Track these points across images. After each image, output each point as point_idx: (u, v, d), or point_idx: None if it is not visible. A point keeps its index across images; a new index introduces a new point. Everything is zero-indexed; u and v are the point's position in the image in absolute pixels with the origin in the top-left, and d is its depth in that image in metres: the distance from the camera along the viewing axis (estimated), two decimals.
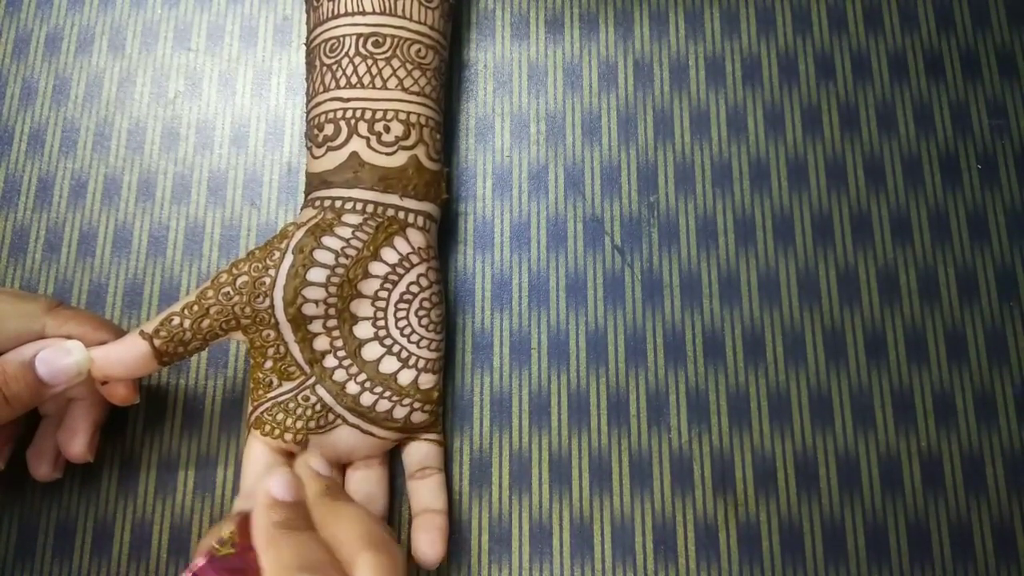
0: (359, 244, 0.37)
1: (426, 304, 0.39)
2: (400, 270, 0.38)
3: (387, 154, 0.39)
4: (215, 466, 0.41)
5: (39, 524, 0.40)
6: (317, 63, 0.40)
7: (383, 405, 0.38)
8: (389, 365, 0.38)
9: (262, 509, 0.32)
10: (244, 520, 0.32)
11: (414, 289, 0.38)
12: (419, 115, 0.39)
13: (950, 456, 0.41)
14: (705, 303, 0.42)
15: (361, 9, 0.39)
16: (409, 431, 0.38)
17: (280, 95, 0.46)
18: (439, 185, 0.40)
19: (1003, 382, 0.41)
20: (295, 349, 0.38)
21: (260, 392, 0.38)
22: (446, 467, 0.40)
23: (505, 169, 0.45)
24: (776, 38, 0.46)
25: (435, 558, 0.37)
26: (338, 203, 0.38)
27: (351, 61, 0.39)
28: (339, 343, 0.38)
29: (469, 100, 0.46)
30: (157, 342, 0.36)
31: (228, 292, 0.36)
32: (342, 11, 0.40)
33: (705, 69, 0.46)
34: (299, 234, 0.37)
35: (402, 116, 0.39)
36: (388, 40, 0.39)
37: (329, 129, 0.39)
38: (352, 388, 0.38)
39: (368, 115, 0.39)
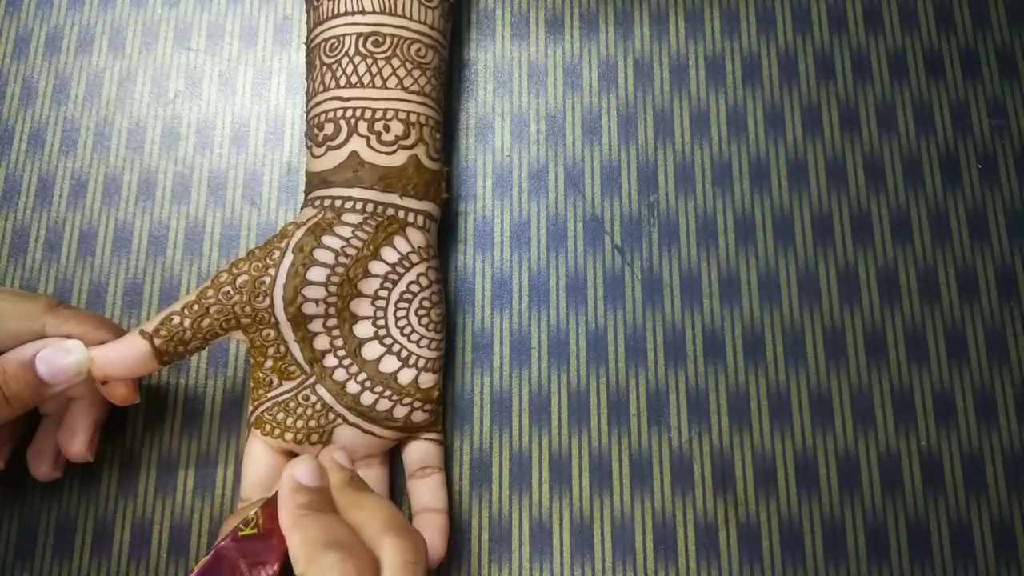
0: (359, 243, 0.37)
1: (426, 303, 0.39)
2: (400, 269, 0.38)
3: (387, 153, 0.39)
4: (215, 466, 0.41)
5: (39, 524, 0.40)
6: (317, 62, 0.40)
7: (383, 404, 0.38)
8: (389, 364, 0.38)
9: (287, 492, 0.32)
10: (269, 503, 0.32)
11: (414, 288, 0.38)
12: (419, 114, 0.39)
13: (950, 456, 0.41)
14: (705, 303, 0.42)
15: (361, 8, 0.39)
16: (409, 430, 0.38)
17: (280, 95, 0.46)
18: (439, 184, 0.40)
19: (1003, 382, 0.41)
20: (295, 348, 0.38)
21: (260, 391, 0.38)
22: (446, 466, 0.40)
23: (505, 169, 0.45)
24: (776, 38, 0.46)
25: (435, 558, 0.37)
26: (338, 202, 0.38)
27: (351, 60, 0.39)
28: (339, 342, 0.38)
29: (469, 100, 0.46)
30: (157, 341, 0.36)
31: (228, 291, 0.36)
32: (342, 10, 0.40)
33: (705, 69, 0.46)
34: (299, 233, 0.37)
35: (402, 115, 0.39)
36: (388, 39, 0.39)
37: (329, 128, 0.39)
38: (352, 387, 0.38)
39: (368, 114, 0.39)
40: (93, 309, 0.43)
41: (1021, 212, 0.44)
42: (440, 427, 0.40)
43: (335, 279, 0.37)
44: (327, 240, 0.37)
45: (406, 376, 0.38)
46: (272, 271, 0.37)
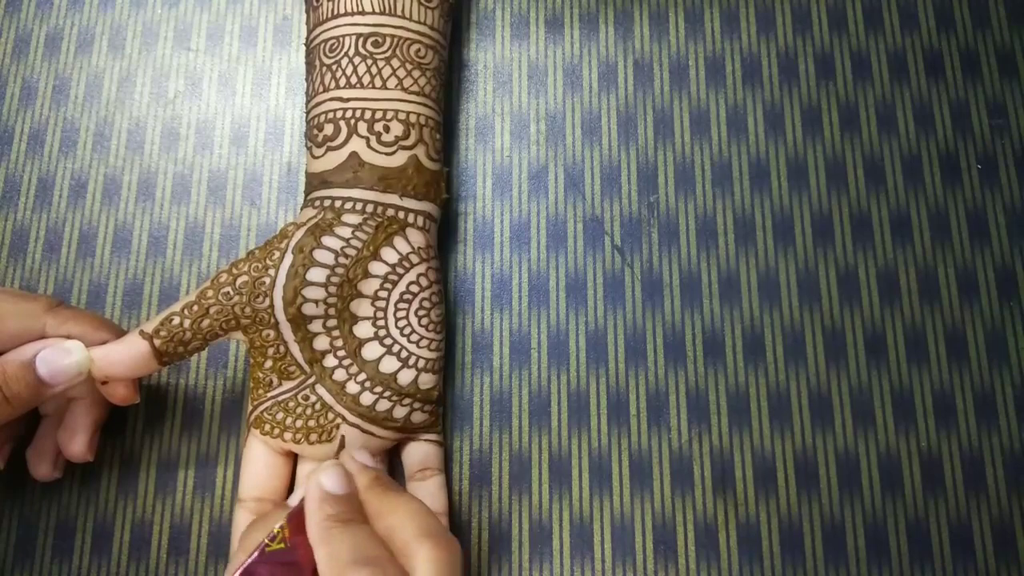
0: (359, 244, 0.37)
1: (426, 304, 0.39)
2: (400, 270, 0.38)
3: (387, 154, 0.39)
4: (215, 466, 0.41)
5: (39, 524, 0.40)
6: (317, 63, 0.40)
7: (383, 405, 0.38)
8: (389, 365, 0.38)
9: (315, 503, 0.32)
10: (295, 514, 0.32)
11: (414, 289, 0.38)
12: (419, 115, 0.39)
13: (950, 456, 0.41)
14: (705, 303, 0.42)
15: (361, 9, 0.39)
16: (409, 431, 0.38)
17: (280, 95, 0.46)
18: (439, 185, 0.40)
19: (1003, 382, 0.41)
20: (295, 349, 0.38)
21: (260, 391, 0.38)
22: (446, 467, 0.40)
23: (505, 169, 0.45)
24: (776, 38, 0.46)
25: None
26: (338, 203, 0.38)
27: (351, 61, 0.39)
28: (339, 343, 0.38)
29: (469, 100, 0.46)
30: (157, 342, 0.36)
31: (228, 292, 0.36)
32: (342, 11, 0.40)
33: (705, 69, 0.46)
34: (299, 234, 0.37)
35: (402, 116, 0.39)
36: (388, 40, 0.39)
37: (329, 129, 0.39)
38: (352, 388, 0.38)
39: (368, 115, 0.39)
40: (93, 309, 0.43)
41: (1021, 212, 0.44)
42: (440, 428, 0.40)
43: (335, 280, 0.37)
44: (327, 241, 0.37)
45: (406, 376, 0.38)
46: (272, 272, 0.37)
